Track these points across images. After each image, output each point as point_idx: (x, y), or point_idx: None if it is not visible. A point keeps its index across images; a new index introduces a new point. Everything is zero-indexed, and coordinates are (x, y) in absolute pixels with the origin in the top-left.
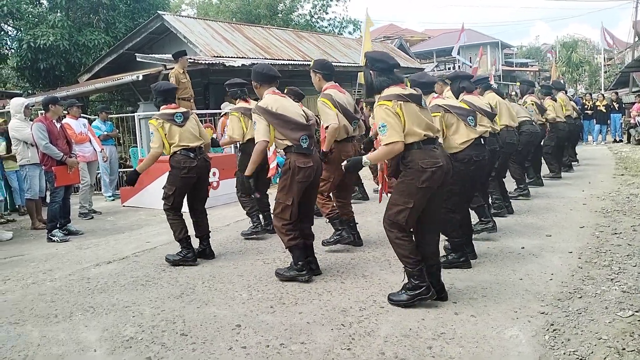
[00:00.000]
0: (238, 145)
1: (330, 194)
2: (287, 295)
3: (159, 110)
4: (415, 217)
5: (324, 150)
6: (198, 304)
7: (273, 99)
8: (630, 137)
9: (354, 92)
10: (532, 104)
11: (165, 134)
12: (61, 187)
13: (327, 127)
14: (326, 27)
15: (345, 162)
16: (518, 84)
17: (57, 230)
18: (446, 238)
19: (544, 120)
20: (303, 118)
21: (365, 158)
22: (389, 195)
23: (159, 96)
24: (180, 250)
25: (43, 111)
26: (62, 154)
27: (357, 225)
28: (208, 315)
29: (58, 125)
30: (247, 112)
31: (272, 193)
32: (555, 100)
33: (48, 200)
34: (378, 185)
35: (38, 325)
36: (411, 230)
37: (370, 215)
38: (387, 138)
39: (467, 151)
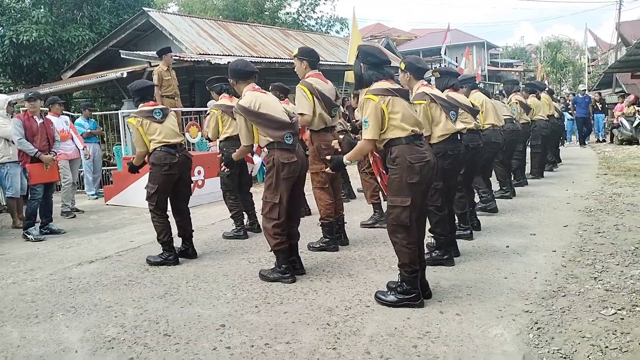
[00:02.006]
0: (218, 142)
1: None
2: (272, 294)
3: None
4: (416, 214)
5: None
6: (182, 303)
7: (254, 97)
8: (613, 137)
9: (341, 90)
10: (517, 103)
11: (145, 132)
12: (40, 185)
13: (300, 114)
14: (313, 26)
15: (330, 161)
16: (502, 84)
17: (33, 228)
18: (431, 235)
19: (529, 119)
20: (286, 115)
21: (344, 157)
22: (366, 184)
23: (136, 95)
24: (162, 252)
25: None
26: (35, 149)
27: (345, 224)
28: (192, 315)
29: (40, 121)
30: (228, 110)
31: (258, 192)
32: (539, 99)
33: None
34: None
35: (18, 326)
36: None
37: (356, 214)
38: (365, 134)
39: (442, 145)
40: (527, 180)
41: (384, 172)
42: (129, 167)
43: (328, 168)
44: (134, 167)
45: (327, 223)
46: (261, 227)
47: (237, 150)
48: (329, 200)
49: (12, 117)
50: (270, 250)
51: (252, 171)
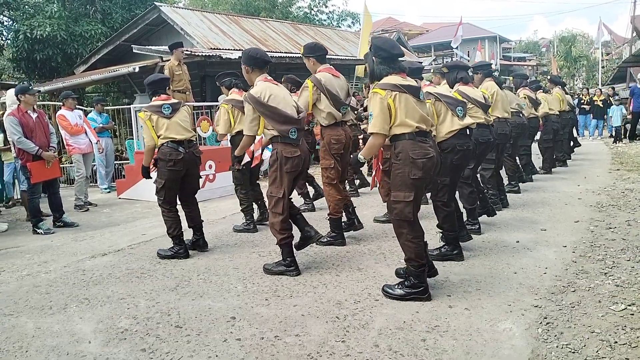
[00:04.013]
0: (229, 137)
1: (340, 187)
2: (282, 287)
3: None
4: (418, 207)
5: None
6: (193, 296)
7: (265, 87)
8: (627, 131)
9: (352, 85)
10: (525, 98)
11: (153, 126)
12: (39, 183)
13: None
14: (325, 20)
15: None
16: (511, 78)
17: (42, 223)
18: (439, 231)
19: (538, 114)
20: (294, 110)
21: (359, 155)
22: (380, 182)
23: (149, 88)
24: (172, 246)
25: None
26: (37, 147)
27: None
28: (203, 307)
29: (34, 116)
30: (238, 105)
31: (264, 186)
32: (547, 93)
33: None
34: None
35: (33, 317)
36: (422, 233)
37: (366, 209)
38: (371, 128)
39: (451, 140)
40: (534, 175)
41: (380, 166)
42: (143, 172)
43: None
44: (146, 171)
45: (335, 218)
46: (269, 222)
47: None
48: (338, 196)
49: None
50: (277, 244)
51: (262, 166)
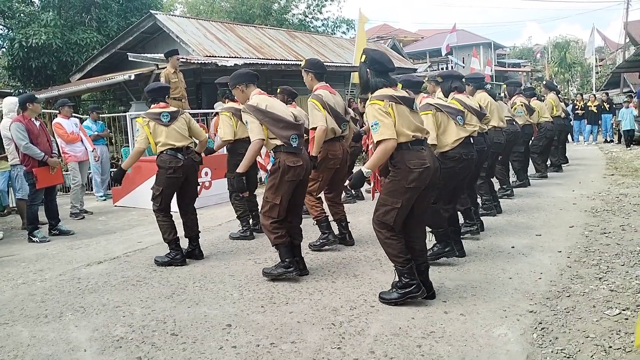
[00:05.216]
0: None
1: (321, 196)
2: (278, 294)
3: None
4: (403, 216)
5: (313, 154)
6: (189, 303)
7: (262, 98)
8: (621, 137)
9: (347, 92)
10: (522, 105)
11: (151, 132)
12: (41, 189)
13: (314, 129)
14: (320, 27)
15: (347, 181)
16: (504, 85)
17: (38, 231)
18: (430, 230)
19: (533, 121)
20: (292, 117)
21: (364, 169)
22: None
23: (149, 96)
24: (169, 252)
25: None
26: (43, 153)
27: (349, 224)
28: (199, 315)
29: (37, 124)
30: (237, 112)
31: (261, 194)
32: (541, 100)
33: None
34: (370, 184)
35: (28, 326)
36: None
37: (361, 215)
38: (380, 135)
39: (458, 149)
40: (530, 180)
41: (379, 176)
42: (116, 175)
43: (347, 182)
44: (121, 176)
45: (321, 219)
46: (261, 223)
47: (245, 151)
48: (314, 200)
49: None
50: (272, 246)
51: (261, 176)
